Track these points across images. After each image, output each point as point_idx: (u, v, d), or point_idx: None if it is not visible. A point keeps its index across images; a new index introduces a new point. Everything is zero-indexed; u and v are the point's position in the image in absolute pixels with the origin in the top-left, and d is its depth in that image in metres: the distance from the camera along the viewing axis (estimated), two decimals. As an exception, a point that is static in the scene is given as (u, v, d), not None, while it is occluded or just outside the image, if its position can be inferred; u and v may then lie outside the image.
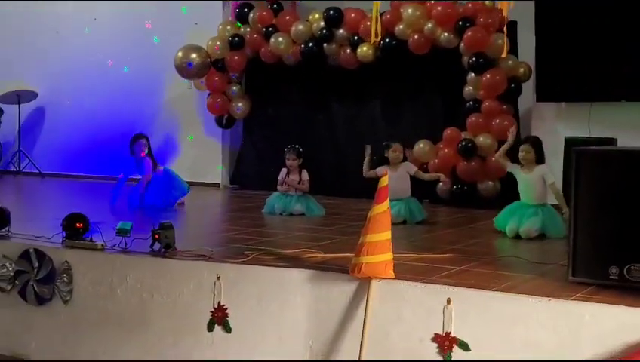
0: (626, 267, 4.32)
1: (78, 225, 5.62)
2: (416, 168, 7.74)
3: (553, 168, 6.87)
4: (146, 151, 8.47)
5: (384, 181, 4.56)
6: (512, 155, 6.98)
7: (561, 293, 4.21)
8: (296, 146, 7.95)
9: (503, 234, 6.55)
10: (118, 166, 10.71)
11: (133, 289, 5.15)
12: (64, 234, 5.63)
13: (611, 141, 7.66)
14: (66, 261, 5.38)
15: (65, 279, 5.35)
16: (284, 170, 7.95)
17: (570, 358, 3.94)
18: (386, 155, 7.49)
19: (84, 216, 5.70)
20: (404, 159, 7.64)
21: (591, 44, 8.18)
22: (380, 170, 7.27)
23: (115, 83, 11.27)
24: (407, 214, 7.28)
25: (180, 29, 10.55)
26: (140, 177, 8.50)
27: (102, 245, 5.46)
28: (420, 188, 8.67)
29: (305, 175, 7.91)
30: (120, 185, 8.62)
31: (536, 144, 6.80)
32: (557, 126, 8.56)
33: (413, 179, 7.59)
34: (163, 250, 5.27)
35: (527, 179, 6.76)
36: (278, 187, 7.90)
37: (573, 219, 4.50)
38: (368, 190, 7.14)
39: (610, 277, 4.35)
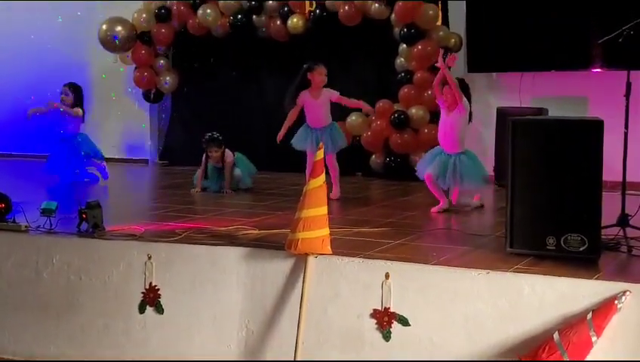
0: (563, 237, 4.33)
1: (-1, 205, 5.39)
2: (337, 93, 7.14)
3: (485, 139, 6.83)
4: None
5: (319, 155, 4.46)
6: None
7: (500, 265, 4.20)
8: (216, 135, 7.56)
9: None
10: (37, 143, 10.39)
11: (60, 271, 4.95)
12: (-16, 216, 5.37)
13: (542, 111, 7.71)
14: (-12, 244, 5.14)
15: (-13, 263, 5.12)
16: (204, 157, 7.58)
17: (510, 330, 3.92)
18: (308, 78, 6.94)
19: (6, 196, 5.45)
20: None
21: (521, 14, 8.17)
22: (302, 98, 6.91)
23: (36, 57, 10.87)
24: (328, 141, 6.88)
25: (103, 2, 10.20)
26: None
27: (26, 226, 5.24)
28: (353, 162, 8.62)
29: (228, 156, 7.59)
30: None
31: (460, 85, 6.34)
32: (488, 96, 8.56)
33: (345, 154, 7.36)
34: (91, 229, 5.08)
35: (447, 122, 6.37)
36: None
37: (510, 190, 4.47)
38: (302, 164, 7.12)
39: (548, 247, 4.36)
